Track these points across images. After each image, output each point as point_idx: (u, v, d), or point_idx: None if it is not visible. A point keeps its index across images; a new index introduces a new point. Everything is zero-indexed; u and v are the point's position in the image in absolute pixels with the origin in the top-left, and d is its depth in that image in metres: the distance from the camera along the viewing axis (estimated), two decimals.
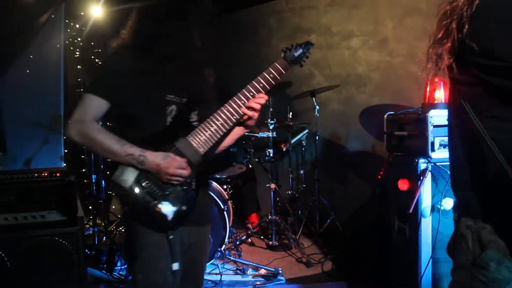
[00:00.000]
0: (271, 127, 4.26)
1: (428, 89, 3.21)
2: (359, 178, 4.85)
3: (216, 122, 1.77)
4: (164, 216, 1.72)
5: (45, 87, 4.69)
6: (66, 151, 4.87)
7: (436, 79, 3.10)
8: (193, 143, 1.77)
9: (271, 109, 4.37)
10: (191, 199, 1.78)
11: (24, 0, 4.34)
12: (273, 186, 4.37)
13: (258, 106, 1.80)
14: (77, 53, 5.10)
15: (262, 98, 1.80)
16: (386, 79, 4.66)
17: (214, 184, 4.10)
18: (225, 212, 3.81)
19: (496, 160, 1.36)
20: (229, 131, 1.82)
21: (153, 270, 1.78)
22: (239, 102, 1.79)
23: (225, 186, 4.35)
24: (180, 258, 1.80)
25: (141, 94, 1.76)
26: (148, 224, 1.75)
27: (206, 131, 1.77)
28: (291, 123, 4.63)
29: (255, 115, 1.82)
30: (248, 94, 1.79)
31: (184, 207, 1.75)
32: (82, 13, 5.05)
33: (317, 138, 4.72)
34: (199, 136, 1.77)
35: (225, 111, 1.78)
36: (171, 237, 1.75)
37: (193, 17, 1.81)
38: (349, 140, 4.99)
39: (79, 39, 5.07)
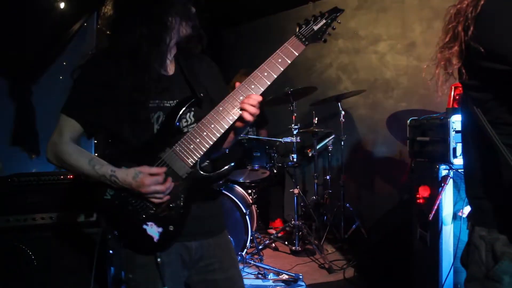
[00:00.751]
0: (295, 132, 4.25)
1: (452, 93, 3.14)
2: (386, 184, 4.78)
3: (208, 125, 1.56)
4: (150, 238, 1.54)
5: None
6: (96, 154, 5.02)
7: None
8: (180, 153, 1.56)
9: (295, 114, 4.36)
10: (179, 218, 1.58)
11: (58, 8, 4.52)
12: (296, 191, 4.36)
13: (252, 110, 1.56)
14: None
15: (254, 100, 1.56)
16: (414, 84, 4.58)
17: (238, 188, 4.13)
18: (247, 217, 3.83)
19: (510, 167, 1.32)
20: (226, 134, 1.62)
21: None
22: (234, 102, 1.56)
23: (249, 191, 4.37)
24: (181, 278, 1.66)
25: (120, 105, 1.56)
26: (134, 246, 1.58)
27: (196, 138, 1.56)
28: (316, 129, 4.61)
29: (249, 117, 1.58)
30: (248, 88, 1.57)
31: (171, 227, 1.56)
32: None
33: (342, 144, 4.68)
34: (187, 145, 1.56)
35: (219, 112, 1.56)
36: (159, 259, 1.56)
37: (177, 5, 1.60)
38: (375, 146, 4.93)
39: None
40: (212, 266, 1.69)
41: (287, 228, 4.60)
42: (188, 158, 1.55)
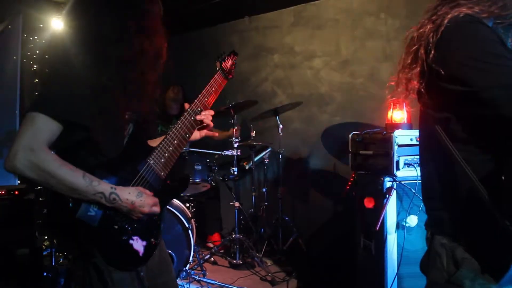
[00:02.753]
0: (235, 145, 4.25)
1: (391, 110, 3.33)
2: (322, 196, 4.92)
3: (173, 142, 1.72)
4: (135, 252, 1.56)
5: (0, 100, 4.51)
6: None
7: (399, 100, 3.22)
8: (155, 167, 1.65)
9: (236, 127, 4.36)
10: (158, 229, 1.68)
11: None
12: (237, 204, 4.35)
13: (209, 117, 1.88)
14: (35, 66, 4.92)
15: (210, 114, 1.89)
16: (348, 99, 4.78)
17: (177, 202, 4.03)
18: (189, 231, 3.75)
19: (469, 179, 1.41)
20: (182, 149, 1.85)
21: None
22: (190, 119, 1.81)
23: (187, 204, 4.29)
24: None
25: (102, 113, 1.48)
26: (119, 264, 1.54)
27: (165, 153, 1.68)
28: (254, 142, 4.65)
29: (211, 124, 1.91)
30: (196, 110, 1.84)
31: (153, 240, 1.64)
32: (41, 25, 4.89)
33: (280, 157, 4.76)
34: (159, 159, 1.66)
35: (179, 130, 1.76)
36: (142, 274, 1.59)
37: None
38: (311, 159, 5.06)
39: (37, 52, 4.90)
40: (158, 270, 1.77)
41: (226, 242, 4.56)
42: (161, 171, 1.67)
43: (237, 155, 4.32)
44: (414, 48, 1.54)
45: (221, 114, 4.44)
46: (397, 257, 2.92)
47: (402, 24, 4.25)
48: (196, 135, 1.92)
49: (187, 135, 1.78)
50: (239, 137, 4.33)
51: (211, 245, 4.85)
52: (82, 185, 1.40)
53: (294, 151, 5.16)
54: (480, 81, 1.32)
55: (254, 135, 4.70)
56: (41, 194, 4.66)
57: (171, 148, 1.70)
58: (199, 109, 1.84)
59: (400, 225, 2.94)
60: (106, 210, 1.49)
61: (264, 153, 4.89)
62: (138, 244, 1.56)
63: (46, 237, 4.34)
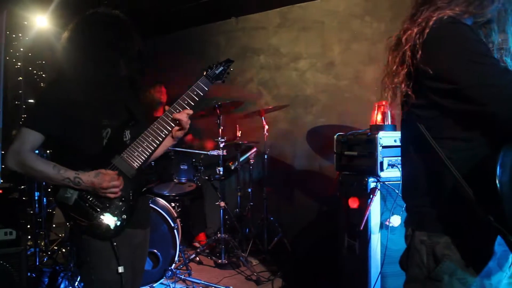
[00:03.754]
0: (221, 145, 4.27)
1: (375, 112, 3.38)
2: (306, 196, 4.96)
3: (147, 138, 1.99)
4: (107, 226, 1.90)
5: None
6: (3, 166, 4.61)
7: (384, 102, 3.28)
8: (127, 159, 1.96)
9: (222, 128, 4.38)
10: (129, 209, 1.96)
11: None
12: (222, 204, 4.37)
13: (185, 118, 2.02)
14: (19, 64, 4.87)
15: (185, 112, 2.03)
16: (333, 101, 4.83)
17: (162, 201, 4.03)
18: (175, 230, 3.75)
19: (452, 176, 1.46)
20: (159, 145, 2.03)
21: (105, 270, 1.92)
22: (166, 119, 2.01)
23: (173, 204, 4.29)
24: (129, 259, 1.97)
25: (79, 123, 1.90)
26: (94, 234, 1.90)
27: (138, 147, 1.98)
28: (240, 142, 4.67)
29: (186, 125, 2.05)
30: (174, 112, 2.02)
31: (124, 216, 1.94)
32: (26, 23, 4.85)
33: (265, 157, 4.79)
34: (133, 153, 1.97)
35: (155, 128, 2.00)
36: (115, 243, 1.91)
37: (121, 47, 1.97)
38: (296, 159, 5.11)
39: (21, 49, 4.86)
40: (137, 253, 2.09)
41: (212, 242, 4.57)
42: (134, 162, 1.97)
43: (223, 155, 4.34)
44: (400, 51, 1.58)
45: (207, 114, 4.46)
46: (381, 257, 2.96)
47: (387, 27, 4.32)
48: (177, 134, 2.10)
49: (163, 133, 2.01)
50: (224, 137, 4.33)
51: (197, 244, 4.86)
52: (53, 173, 1.84)
53: (279, 151, 5.20)
54: (466, 79, 1.38)
55: (240, 135, 4.72)
56: (24, 194, 4.63)
57: (145, 144, 1.98)
58: (177, 110, 2.02)
59: (384, 225, 2.99)
60: (79, 193, 1.88)
61: (249, 153, 4.91)
62: (108, 219, 1.90)
63: (29, 237, 4.32)
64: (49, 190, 4.66)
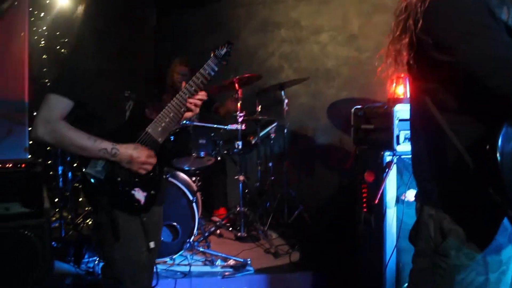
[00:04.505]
0: (240, 119, 4.28)
1: (393, 84, 3.31)
2: (327, 171, 4.95)
3: (169, 114, 2.01)
4: (137, 201, 1.92)
5: (8, 76, 4.57)
6: (31, 142, 4.76)
7: (402, 75, 3.20)
8: (153, 134, 1.98)
9: (240, 102, 4.38)
10: (157, 184, 2.01)
11: None
12: (241, 178, 4.39)
13: (199, 102, 2.08)
14: (42, 42, 4.97)
15: (202, 96, 2.08)
16: (354, 74, 4.75)
17: (183, 175, 4.09)
18: (194, 204, 3.81)
19: (456, 149, 1.43)
20: (180, 120, 2.08)
21: (130, 248, 1.93)
22: (184, 96, 2.04)
23: (194, 178, 4.35)
24: (154, 237, 2.01)
25: (104, 92, 1.88)
26: (123, 209, 1.91)
27: (162, 123, 2.00)
28: (260, 116, 4.66)
29: (196, 109, 2.09)
30: (191, 89, 2.06)
31: (153, 191, 1.97)
32: (48, 1, 4.92)
33: (285, 131, 4.77)
34: (157, 128, 1.99)
35: (175, 105, 2.03)
36: (144, 219, 1.94)
37: (142, 19, 2.04)
38: (317, 133, 5.08)
39: (44, 28, 4.94)
40: (156, 230, 2.13)
41: (232, 215, 4.64)
42: (159, 138, 2.00)
43: (242, 130, 4.35)
44: (402, 18, 1.54)
45: (225, 88, 4.46)
46: (396, 231, 2.95)
47: None
48: (187, 115, 2.11)
49: (182, 109, 2.04)
50: (241, 111, 4.32)
51: (216, 218, 4.93)
52: (89, 144, 1.80)
53: (300, 125, 5.17)
54: (466, 52, 1.33)
55: (260, 109, 4.71)
56: (50, 168, 4.79)
57: (167, 119, 2.00)
58: (193, 88, 2.06)
59: (400, 199, 2.96)
60: (110, 166, 1.86)
61: (270, 127, 4.91)
62: (139, 194, 1.92)
63: (57, 210, 4.47)
64: (75, 165, 4.80)
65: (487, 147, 1.32)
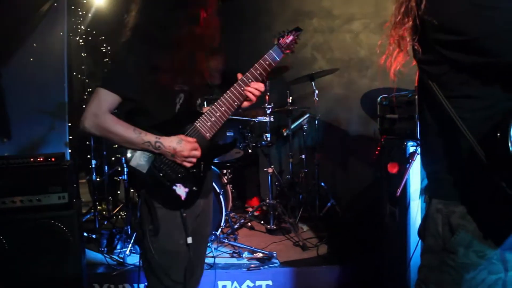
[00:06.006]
0: (268, 111, 4.26)
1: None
2: (360, 163, 4.84)
3: (220, 108, 1.95)
4: (178, 196, 1.92)
5: (49, 74, 4.78)
6: (71, 137, 4.97)
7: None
8: (201, 128, 1.94)
9: (269, 94, 4.36)
10: (200, 180, 1.98)
11: None
12: (270, 170, 4.38)
13: (256, 92, 1.98)
14: (81, 40, 5.16)
15: (259, 86, 1.98)
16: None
17: (212, 168, 4.14)
18: (221, 196, 3.85)
19: (466, 138, 1.34)
20: (230, 115, 2.01)
21: (168, 241, 1.93)
22: (239, 89, 1.97)
23: (224, 171, 4.39)
24: (193, 229, 1.98)
25: (153, 86, 1.86)
26: (163, 203, 1.91)
27: (212, 117, 1.94)
28: (291, 108, 4.62)
29: (254, 98, 2.00)
30: (247, 81, 1.97)
31: (195, 188, 1.95)
32: (85, 0, 5.10)
33: (316, 123, 4.71)
34: (206, 122, 1.94)
35: (228, 98, 1.96)
36: (184, 214, 1.93)
37: (196, 12, 1.90)
38: (350, 125, 4.97)
39: (82, 26, 5.13)
40: (200, 220, 2.08)
41: (263, 207, 4.64)
42: (207, 133, 1.95)
43: (270, 121, 4.32)
44: (404, 0, 1.47)
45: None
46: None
47: None
48: (245, 104, 2.05)
49: (235, 103, 1.97)
50: (271, 103, 4.30)
51: (250, 209, 4.95)
52: (133, 137, 1.83)
53: (333, 117, 5.08)
54: (477, 28, 1.25)
55: (290, 101, 4.67)
56: (86, 162, 4.98)
57: (218, 114, 1.95)
58: (249, 80, 1.97)
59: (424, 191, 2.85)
60: (154, 161, 1.88)
61: (302, 119, 4.87)
62: (180, 190, 1.91)
63: (94, 202, 4.65)
64: (113, 159, 4.97)
65: (498, 134, 1.24)
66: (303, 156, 4.90)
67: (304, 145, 5.00)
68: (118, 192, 5.28)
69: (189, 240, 1.93)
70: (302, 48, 5.33)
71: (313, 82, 4.57)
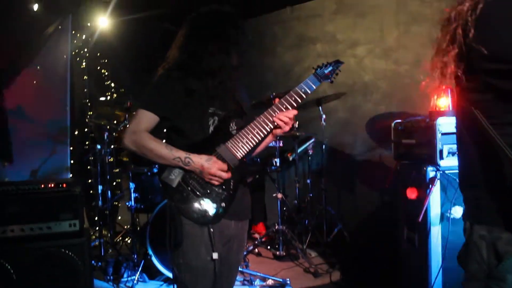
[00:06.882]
0: (277, 136, 4.23)
1: (435, 97, 3.19)
2: (367, 187, 4.82)
3: (252, 130, 2.00)
4: (205, 211, 1.96)
5: (51, 98, 4.73)
6: (72, 161, 4.88)
7: (444, 87, 3.08)
8: (231, 148, 1.99)
9: None
10: (229, 198, 2.00)
11: (32, 11, 4.37)
12: (280, 195, 4.34)
13: (287, 119, 2.01)
14: (84, 63, 5.12)
15: (291, 112, 2.02)
16: (392, 87, 4.65)
17: None
18: None
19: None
20: (263, 139, 2.06)
21: (194, 256, 1.97)
22: (273, 114, 2.01)
23: None
24: (219, 249, 1.98)
25: (188, 109, 1.99)
26: (191, 217, 1.96)
27: (243, 139, 2.00)
28: (297, 133, 4.61)
29: (286, 127, 2.04)
30: (281, 107, 2.02)
31: (223, 204, 1.98)
32: (89, 24, 5.08)
33: (323, 147, 4.70)
34: (237, 143, 2.00)
35: (260, 121, 2.01)
36: (211, 230, 1.95)
37: (233, 39, 2.03)
38: (355, 149, 4.97)
39: (85, 49, 5.10)
40: (233, 245, 2.11)
41: (270, 233, 4.57)
42: (237, 153, 1.99)
43: (279, 147, 4.30)
44: (450, 28, 1.46)
45: (264, 105, 4.44)
46: (442, 250, 2.81)
47: (448, 6, 4.05)
48: (277, 131, 2.10)
49: (268, 126, 2.02)
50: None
51: (256, 236, 4.87)
52: (165, 152, 1.94)
53: (338, 141, 5.08)
54: None
55: (297, 125, 4.65)
56: (91, 188, 4.88)
57: (249, 135, 2.00)
58: (284, 106, 2.03)
59: (445, 216, 2.82)
60: (183, 176, 1.97)
61: (307, 143, 4.85)
62: (208, 205, 1.97)
63: (97, 228, 4.54)
64: (114, 183, 4.88)
65: None
66: (309, 181, 4.87)
67: (309, 170, 4.97)
68: (119, 217, 5.17)
69: (215, 255, 1.95)
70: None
71: (320, 107, 4.57)
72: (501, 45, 1.30)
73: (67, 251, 2.98)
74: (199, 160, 1.94)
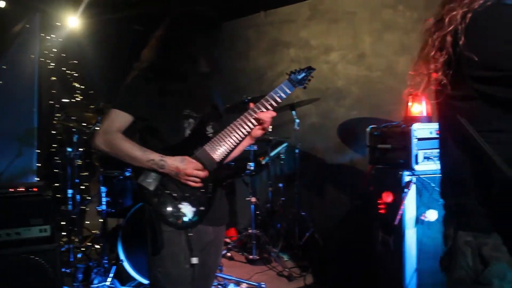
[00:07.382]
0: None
1: (410, 103, 3.26)
2: (338, 191, 4.87)
3: (229, 133, 2.00)
4: (183, 215, 1.93)
5: (18, 98, 4.57)
6: (39, 165, 4.72)
7: (418, 93, 3.15)
8: (209, 151, 1.98)
9: None
10: (208, 201, 1.98)
11: None
12: (253, 199, 4.33)
13: (267, 120, 2.02)
14: (52, 64, 4.97)
15: (270, 113, 2.03)
16: (365, 93, 4.72)
17: None
18: None
19: (500, 171, 1.34)
20: (240, 142, 2.05)
21: (173, 265, 1.94)
22: (249, 117, 2.02)
23: None
24: (197, 255, 1.96)
25: (162, 110, 1.98)
26: (169, 222, 1.92)
27: (221, 141, 1.99)
28: (270, 137, 4.62)
29: (265, 127, 2.06)
30: (257, 110, 2.03)
31: (202, 208, 1.96)
32: (59, 24, 4.94)
33: (296, 152, 4.72)
34: (214, 145, 1.99)
35: (237, 124, 2.01)
36: (190, 234, 1.93)
37: (209, 42, 2.04)
38: (327, 153, 5.02)
39: (54, 50, 4.95)
40: (210, 251, 2.09)
41: (242, 237, 4.55)
42: (215, 155, 1.98)
43: (254, 150, 4.29)
44: (438, 36, 1.47)
45: (237, 108, 4.42)
46: (416, 252, 2.87)
47: (420, 16, 4.16)
48: (257, 133, 2.08)
49: (245, 129, 2.02)
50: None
51: (227, 240, 4.84)
52: (138, 154, 1.91)
53: (311, 145, 5.11)
54: None
55: (270, 129, 4.65)
56: (59, 191, 4.73)
57: (227, 139, 1.99)
58: (259, 110, 2.03)
59: (419, 219, 2.89)
60: (161, 179, 1.93)
61: (280, 148, 4.85)
62: (187, 209, 1.93)
63: (64, 233, 4.40)
64: (82, 187, 4.75)
65: None
66: (281, 185, 4.88)
67: (281, 174, 4.98)
68: (87, 222, 5.03)
69: (194, 260, 1.93)
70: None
71: (293, 111, 4.59)
72: (490, 54, 1.32)
73: (37, 258, 2.88)
74: (173, 162, 1.91)
